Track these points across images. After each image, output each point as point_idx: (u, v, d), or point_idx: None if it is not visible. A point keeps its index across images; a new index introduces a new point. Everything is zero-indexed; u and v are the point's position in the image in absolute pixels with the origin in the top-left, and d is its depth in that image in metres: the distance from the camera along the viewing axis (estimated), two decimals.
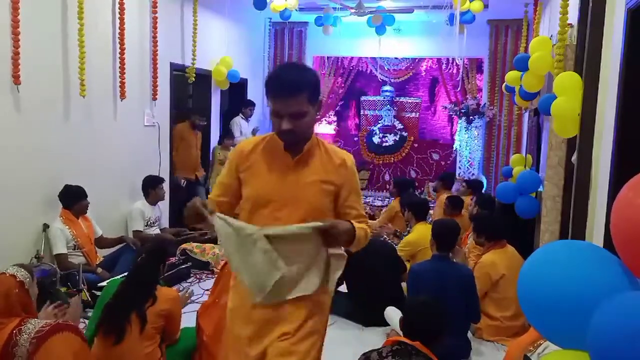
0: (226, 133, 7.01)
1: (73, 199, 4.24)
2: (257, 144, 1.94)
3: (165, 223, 5.65)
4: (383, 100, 9.16)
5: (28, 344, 2.09)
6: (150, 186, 5.08)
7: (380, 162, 8.81)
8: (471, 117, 7.88)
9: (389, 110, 9.08)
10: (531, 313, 1.39)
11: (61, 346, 2.14)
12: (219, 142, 6.93)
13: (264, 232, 1.72)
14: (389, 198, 7.38)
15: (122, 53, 5.01)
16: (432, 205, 6.17)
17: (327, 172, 1.89)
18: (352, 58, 9.00)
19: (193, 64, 6.27)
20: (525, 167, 5.43)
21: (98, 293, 3.55)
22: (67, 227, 4.18)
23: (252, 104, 7.38)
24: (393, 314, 3.54)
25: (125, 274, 2.97)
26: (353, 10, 6.58)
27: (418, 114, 9.11)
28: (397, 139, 8.88)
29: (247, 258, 1.73)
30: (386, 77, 8.97)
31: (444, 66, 8.68)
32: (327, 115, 9.40)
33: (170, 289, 2.98)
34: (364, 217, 1.97)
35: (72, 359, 2.14)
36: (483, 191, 6.30)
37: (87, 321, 3.28)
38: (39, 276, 2.51)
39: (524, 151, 6.54)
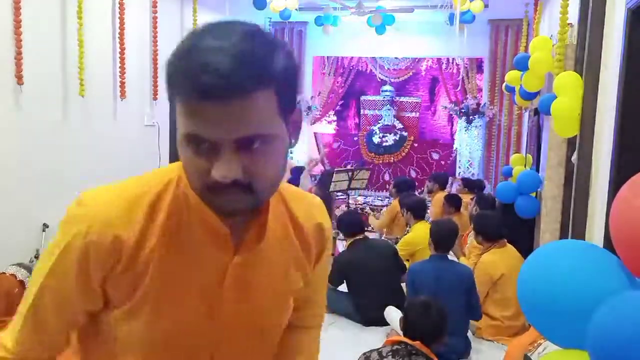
0: None
1: None
2: (147, 212, 0.88)
3: None
4: (383, 100, 9.15)
5: None
6: None
7: (380, 162, 8.81)
8: (471, 117, 7.88)
9: (389, 110, 9.07)
10: (531, 313, 1.39)
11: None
12: None
13: None
14: (389, 198, 7.37)
15: (122, 53, 5.01)
16: (429, 204, 6.16)
17: (297, 265, 0.98)
18: (352, 58, 8.99)
19: None
20: (525, 166, 5.43)
21: None
22: None
23: None
24: (393, 314, 3.54)
25: None
26: (353, 10, 6.58)
27: (418, 113, 9.11)
28: (397, 138, 8.88)
29: None
30: (386, 76, 8.96)
31: (444, 66, 8.67)
32: (327, 115, 9.40)
33: None
34: (321, 316, 1.17)
35: None
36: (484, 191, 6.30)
37: None
38: None
39: (524, 151, 6.53)
